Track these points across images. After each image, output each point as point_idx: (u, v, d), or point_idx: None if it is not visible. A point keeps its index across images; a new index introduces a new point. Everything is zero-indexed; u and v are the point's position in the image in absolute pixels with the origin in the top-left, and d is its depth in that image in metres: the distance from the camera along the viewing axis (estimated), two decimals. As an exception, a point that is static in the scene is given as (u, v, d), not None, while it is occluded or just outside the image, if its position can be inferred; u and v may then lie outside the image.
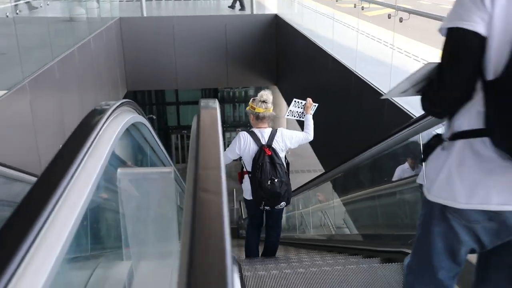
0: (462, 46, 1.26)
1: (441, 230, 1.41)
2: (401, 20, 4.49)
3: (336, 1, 7.15)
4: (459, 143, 1.32)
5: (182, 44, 10.71)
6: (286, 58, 10.25)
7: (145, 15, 10.96)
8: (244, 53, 10.96)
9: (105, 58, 9.16)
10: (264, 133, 3.81)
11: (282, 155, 3.83)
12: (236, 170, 4.15)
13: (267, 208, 3.90)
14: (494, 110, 1.22)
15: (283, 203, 3.86)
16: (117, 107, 1.61)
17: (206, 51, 10.84)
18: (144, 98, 20.55)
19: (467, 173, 1.30)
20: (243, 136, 3.81)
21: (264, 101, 3.79)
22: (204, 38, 10.80)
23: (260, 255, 4.49)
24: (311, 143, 8.32)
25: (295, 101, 4.04)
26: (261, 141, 3.78)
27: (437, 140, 1.42)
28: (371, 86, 5.17)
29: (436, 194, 1.39)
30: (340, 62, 6.00)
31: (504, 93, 1.19)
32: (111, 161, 2.54)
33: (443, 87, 1.32)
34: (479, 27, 1.20)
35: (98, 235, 1.75)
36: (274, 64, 11.10)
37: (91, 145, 1.23)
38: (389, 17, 4.66)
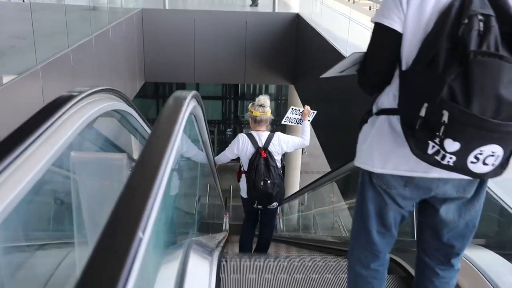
0: (382, 39, 1.51)
1: (372, 195, 1.66)
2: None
3: (353, 2, 7.08)
4: (381, 118, 1.56)
5: (202, 38, 10.75)
6: (305, 58, 10.20)
7: (167, 7, 11.02)
8: (263, 50, 10.94)
9: (123, 48, 9.25)
10: (261, 136, 4.06)
11: (277, 158, 4.07)
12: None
13: (260, 207, 4.17)
14: (401, 95, 1.48)
15: (275, 203, 4.12)
16: (90, 94, 1.62)
17: (226, 46, 10.86)
18: (165, 91, 20.69)
19: (384, 144, 1.55)
20: (242, 138, 4.08)
21: (261, 105, 4.06)
22: (224, 34, 10.82)
23: (253, 251, 4.75)
24: (321, 144, 8.30)
25: (292, 108, 4.27)
26: (258, 143, 4.02)
27: (368, 115, 1.66)
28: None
29: (360, 161, 1.66)
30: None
31: (408, 81, 1.44)
32: (107, 149, 2.56)
33: (365, 72, 1.60)
34: (396, 25, 1.44)
35: (71, 222, 1.77)
36: (293, 63, 11.06)
37: (46, 129, 1.24)
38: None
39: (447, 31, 1.30)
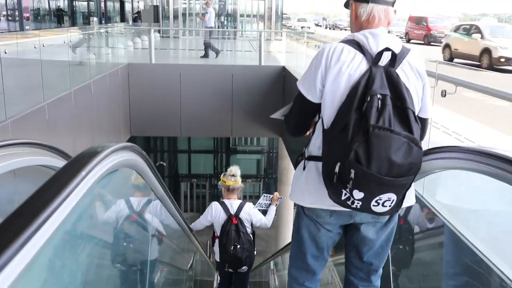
0: (301, 103, 1.90)
1: (305, 223, 2.02)
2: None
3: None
4: (310, 163, 1.91)
5: (188, 92, 10.75)
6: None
7: (153, 61, 11.09)
8: (250, 103, 10.93)
9: (107, 102, 9.21)
10: (233, 204, 4.42)
11: (247, 224, 4.44)
12: None
13: (230, 270, 4.52)
14: (324, 149, 1.84)
15: (244, 267, 4.46)
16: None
17: (212, 99, 10.85)
18: (156, 145, 20.63)
19: (312, 184, 1.89)
20: (215, 206, 4.46)
21: (233, 175, 4.47)
22: (210, 87, 10.84)
23: None
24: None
25: (264, 195, 4.78)
26: (230, 211, 4.38)
27: (301, 158, 1.99)
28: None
29: (294, 197, 2.00)
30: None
31: (326, 137, 1.82)
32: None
33: (287, 122, 2.07)
34: (314, 97, 1.84)
35: None
36: (280, 115, 11.02)
37: None
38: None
39: (355, 105, 1.68)
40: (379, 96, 1.67)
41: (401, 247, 2.63)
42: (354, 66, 1.76)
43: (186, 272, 6.97)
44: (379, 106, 1.66)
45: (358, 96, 1.69)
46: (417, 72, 1.82)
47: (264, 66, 11.29)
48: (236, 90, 10.83)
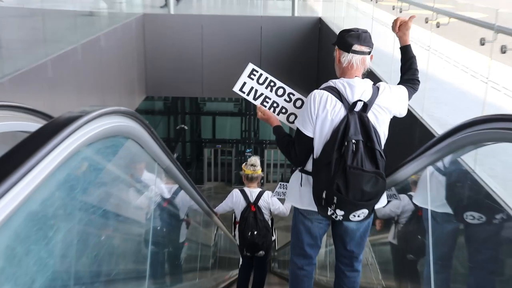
0: (301, 138, 2.64)
1: (301, 220, 2.86)
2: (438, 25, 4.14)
3: (376, 2, 6.82)
4: (304, 176, 2.74)
5: (211, 47, 10.57)
6: (328, 66, 9.90)
7: (172, 12, 10.90)
8: (281, 59, 10.68)
9: (119, 58, 9.12)
10: (253, 192, 5.13)
11: (265, 212, 5.13)
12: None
13: (248, 254, 5.25)
14: (313, 173, 2.65)
15: (261, 252, 5.22)
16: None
17: (238, 55, 10.61)
18: (176, 107, 20.60)
19: (304, 191, 2.73)
20: (236, 193, 5.20)
21: (253, 165, 5.15)
22: (236, 41, 10.61)
23: None
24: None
25: (280, 184, 5.05)
26: (249, 199, 5.09)
27: (295, 169, 2.81)
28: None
29: (291, 200, 2.89)
30: (375, 74, 5.65)
31: (315, 166, 2.63)
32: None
33: (290, 156, 2.76)
34: (309, 133, 2.60)
35: None
36: (315, 72, 10.75)
37: None
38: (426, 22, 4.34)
39: (336, 146, 2.44)
40: (353, 141, 2.43)
41: (419, 237, 3.10)
42: (335, 113, 2.51)
43: (209, 248, 7.00)
44: (354, 149, 2.43)
45: (338, 140, 2.45)
46: (385, 108, 2.57)
47: (298, 17, 10.98)
48: (265, 44, 10.58)
